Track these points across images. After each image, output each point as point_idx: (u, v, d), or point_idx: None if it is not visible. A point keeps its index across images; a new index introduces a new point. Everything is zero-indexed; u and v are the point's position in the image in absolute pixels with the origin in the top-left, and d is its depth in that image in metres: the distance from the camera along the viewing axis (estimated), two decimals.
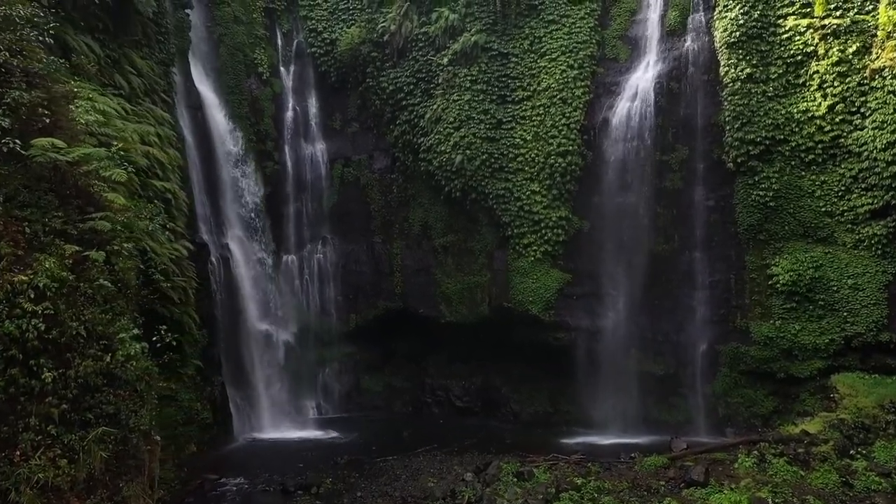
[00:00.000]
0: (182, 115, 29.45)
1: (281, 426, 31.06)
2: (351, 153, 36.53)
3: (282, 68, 36.42)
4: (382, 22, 34.91)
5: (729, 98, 29.06)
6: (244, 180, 32.78)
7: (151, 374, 13.21)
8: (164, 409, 23.49)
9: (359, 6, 35.91)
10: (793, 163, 28.25)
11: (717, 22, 29.64)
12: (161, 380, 22.73)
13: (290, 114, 36.24)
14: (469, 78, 32.92)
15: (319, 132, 36.71)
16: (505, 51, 32.92)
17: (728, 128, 29.08)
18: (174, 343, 25.01)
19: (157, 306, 22.65)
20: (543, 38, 32.62)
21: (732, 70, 29.03)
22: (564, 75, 31.85)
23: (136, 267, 18.10)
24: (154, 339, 15.33)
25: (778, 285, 28.07)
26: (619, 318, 30.91)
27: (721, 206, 29.75)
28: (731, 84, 29.02)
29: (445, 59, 33.42)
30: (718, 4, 29.81)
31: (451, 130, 32.77)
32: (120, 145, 14.74)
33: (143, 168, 22.36)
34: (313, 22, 36.25)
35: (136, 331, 12.89)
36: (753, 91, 28.66)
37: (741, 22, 28.85)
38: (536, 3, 32.93)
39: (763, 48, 28.74)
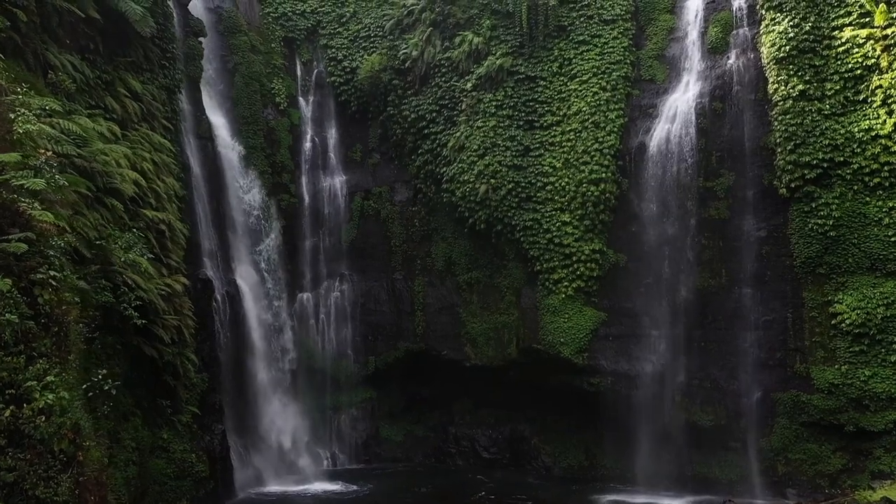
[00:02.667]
0: (189, 144, 27.97)
1: (290, 479, 28.67)
2: (371, 185, 34.71)
3: (301, 98, 35.01)
4: (404, 48, 33.36)
5: (780, 118, 26.45)
6: (256, 213, 31.05)
7: (79, 430, 10.88)
8: (153, 462, 21.38)
9: (380, 33, 34.51)
10: (855, 187, 25.29)
11: (764, 36, 27.20)
12: (139, 430, 20.87)
13: (308, 145, 34.67)
14: (494, 103, 30.97)
15: (339, 163, 35.02)
16: (532, 74, 30.96)
17: (780, 150, 26.41)
18: (170, 386, 23.39)
19: (145, 347, 20.77)
20: (573, 60, 30.61)
21: (783, 87, 26.46)
22: (596, 98, 29.66)
23: (97, 302, 16.17)
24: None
25: (843, 325, 24.89)
26: (662, 362, 28.18)
27: (774, 236, 26.94)
28: (781, 102, 26.46)
29: (469, 84, 31.59)
30: (765, 18, 27.41)
31: (475, 158, 30.70)
32: (46, 154, 12.53)
33: (133, 196, 20.67)
34: (333, 50, 34.90)
35: (51, 378, 10.48)
36: (808, 109, 26.00)
37: (791, 35, 26.37)
38: (566, 23, 31.03)
39: (817, 63, 26.13)
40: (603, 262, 29.07)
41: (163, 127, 24.61)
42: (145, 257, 18.25)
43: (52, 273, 11.20)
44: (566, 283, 29.13)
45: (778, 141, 26.51)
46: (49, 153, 12.54)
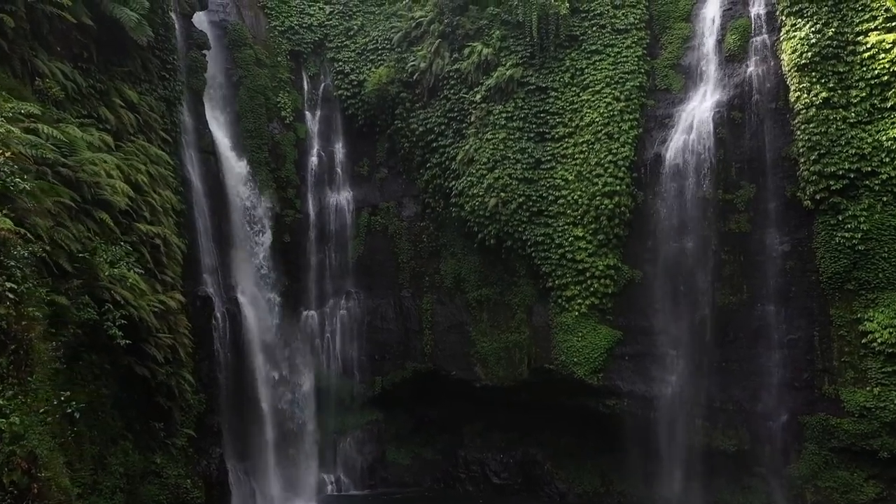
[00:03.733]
0: (190, 158, 27.25)
1: None
2: (378, 200, 33.84)
3: (307, 112, 34.32)
4: (412, 61, 32.67)
5: (802, 127, 25.31)
6: (259, 229, 30.20)
7: (35, 459, 9.82)
8: (144, 488, 20.34)
9: (388, 46, 33.88)
10: (884, 198, 24.05)
11: (784, 43, 26.17)
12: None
13: (314, 159, 33.91)
14: (504, 115, 30.10)
15: (346, 178, 34.21)
16: (543, 85, 30.10)
17: (803, 160, 25.25)
18: (164, 408, 22.40)
19: (136, 366, 19.83)
20: (586, 70, 29.75)
21: (805, 95, 25.34)
22: (610, 108, 28.72)
23: (80, 319, 15.26)
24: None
25: (874, 344, 23.54)
26: (681, 383, 26.98)
27: (798, 250, 25.68)
28: (804, 111, 25.34)
29: (479, 96, 30.77)
30: (785, 24, 26.37)
31: (485, 172, 29.76)
32: (4, 155, 11.63)
33: (126, 209, 19.85)
34: (340, 64, 34.25)
35: (2, 401, 9.42)
36: (832, 118, 24.85)
37: (813, 41, 25.30)
38: (577, 33, 30.25)
39: (841, 69, 25.01)
40: (618, 278, 28.00)
41: (161, 139, 23.91)
42: (133, 271, 17.27)
43: (9, 285, 10.28)
44: (580, 301, 28.02)
45: (801, 151, 25.35)
46: (8, 154, 11.66)
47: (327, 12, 34.68)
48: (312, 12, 34.62)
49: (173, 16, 27.23)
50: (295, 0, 34.56)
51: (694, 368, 26.74)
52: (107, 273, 16.67)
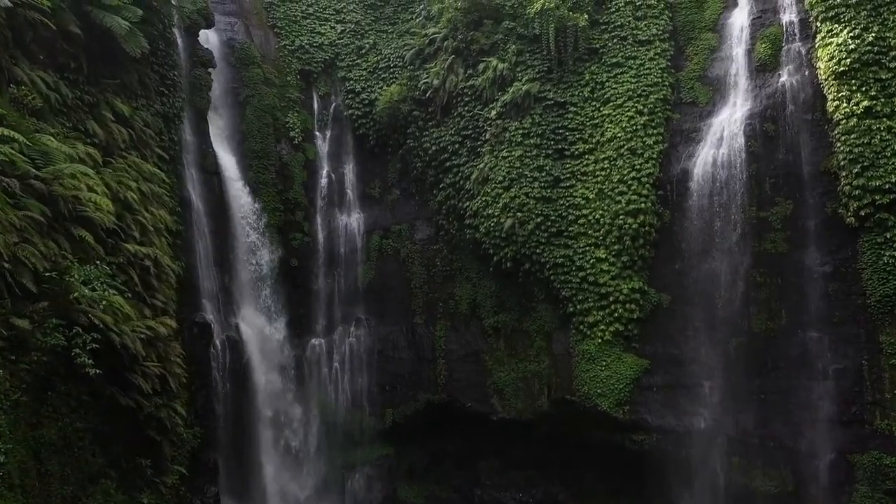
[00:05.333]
0: (192, 177, 26.12)
1: None
2: (390, 223, 32.39)
3: (317, 133, 33.15)
4: (425, 78, 31.46)
5: (843, 138, 23.57)
6: (264, 253, 28.85)
7: None
8: None
9: (400, 64, 32.76)
10: None
11: (820, 50, 24.57)
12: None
13: (323, 181, 32.63)
14: (521, 131, 28.67)
15: (356, 200, 32.85)
16: (562, 100, 28.71)
17: (844, 174, 23.44)
18: (154, 442, 20.83)
19: (120, 397, 18.33)
20: (606, 84, 28.34)
21: (845, 104, 23.64)
22: (633, 122, 27.18)
23: (46, 345, 13.82)
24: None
25: None
26: (715, 417, 25.08)
27: (842, 272, 23.77)
28: (844, 121, 23.61)
29: (494, 113, 29.39)
30: (820, 31, 24.76)
31: (501, 191, 28.23)
32: None
33: (114, 228, 18.57)
34: (351, 83, 33.14)
35: None
36: (875, 128, 23.11)
37: (852, 47, 23.67)
38: (597, 46, 28.91)
39: (883, 76, 23.40)
40: (644, 303, 26.21)
41: (157, 156, 22.77)
42: (110, 293, 15.79)
43: None
44: (603, 327, 26.23)
45: (842, 164, 23.52)
46: None
47: (338, 31, 33.73)
48: (323, 31, 33.69)
49: (176, 32, 26.44)
50: (305, 19, 33.67)
51: (729, 401, 24.80)
52: (83, 295, 15.26)
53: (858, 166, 23.08)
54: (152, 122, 22.78)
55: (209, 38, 29.96)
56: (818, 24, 24.82)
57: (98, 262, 16.01)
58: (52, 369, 15.31)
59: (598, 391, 26.04)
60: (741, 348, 24.75)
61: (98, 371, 14.84)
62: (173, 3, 25.99)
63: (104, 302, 15.22)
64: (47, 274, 14.09)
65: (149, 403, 19.12)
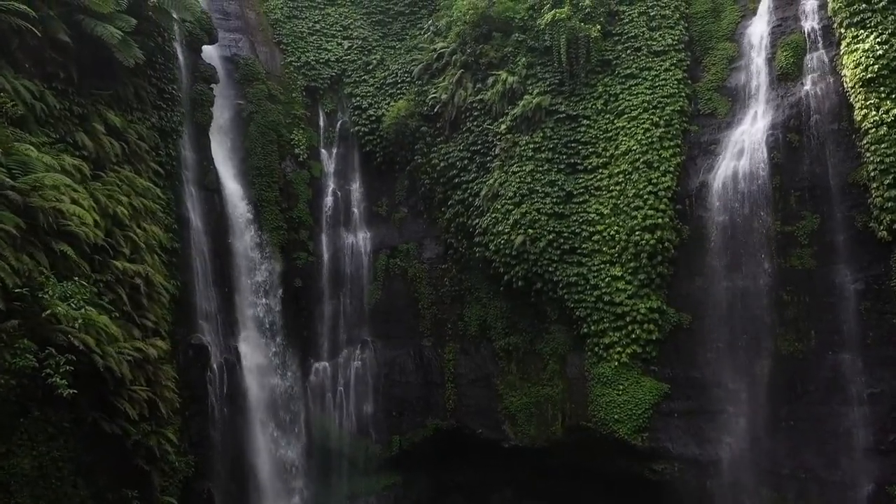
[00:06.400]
0: (191, 194, 25.27)
1: None
2: (397, 241, 31.37)
3: (323, 150, 32.32)
4: (433, 93, 30.68)
5: (872, 148, 22.40)
6: (266, 273, 27.86)
7: None
8: None
9: (408, 79, 31.98)
10: None
11: (846, 57, 23.48)
12: None
13: (329, 199, 31.72)
14: (532, 146, 27.71)
15: (363, 219, 31.88)
16: (574, 113, 27.80)
17: (875, 186, 22.26)
18: (142, 471, 19.69)
19: (104, 423, 17.24)
20: (620, 96, 27.40)
21: (874, 113, 22.49)
22: (648, 135, 26.17)
23: (15, 367, 12.78)
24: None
25: None
26: (741, 446, 23.68)
27: (874, 289, 22.45)
28: (873, 130, 22.45)
29: (504, 127, 28.49)
30: (844, 37, 23.68)
31: (511, 207, 27.18)
32: None
33: (102, 244, 17.65)
34: (358, 99, 32.36)
35: None
36: None
37: (880, 53, 22.62)
38: (610, 57, 28.06)
39: None
40: (663, 323, 25.00)
41: (153, 171, 21.96)
42: (87, 310, 14.78)
43: None
44: (619, 349, 25.01)
45: (872, 175, 22.27)
46: None
47: (345, 47, 33.07)
48: (330, 48, 33.04)
49: (176, 46, 25.82)
50: (312, 36, 33.07)
51: (757, 428, 23.41)
52: (61, 313, 14.25)
53: (890, 177, 21.79)
54: (148, 136, 21.99)
55: (212, 54, 29.36)
56: (842, 30, 23.75)
57: (78, 278, 14.96)
58: (26, 393, 14.30)
59: (615, 417, 24.69)
60: (767, 372, 23.45)
61: (74, 393, 13.76)
62: (174, 17, 25.38)
63: (79, 321, 14.16)
64: (17, 290, 13.11)
65: (136, 430, 18.04)
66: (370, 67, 32.86)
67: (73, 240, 16.32)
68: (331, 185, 32.10)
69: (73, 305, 14.09)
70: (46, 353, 13.48)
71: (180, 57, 25.94)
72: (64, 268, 15.91)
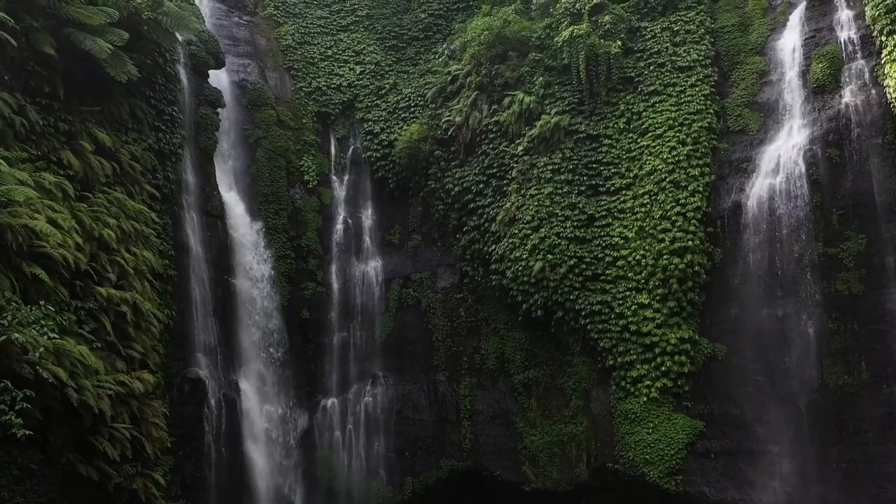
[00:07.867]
0: (191, 220, 24.14)
1: None
2: (411, 271, 29.86)
3: (333, 176, 31.16)
4: (447, 116, 29.50)
5: None
6: (270, 304, 26.47)
7: None
8: None
9: (421, 103, 30.89)
10: None
11: (888, 67, 22.01)
12: None
13: (339, 227, 30.41)
14: (550, 167, 26.30)
15: (374, 247, 30.47)
16: (594, 132, 26.42)
17: None
18: None
19: (80, 465, 15.73)
20: (644, 114, 26.05)
21: None
22: (675, 153, 24.68)
23: None
24: None
25: None
26: (788, 490, 21.53)
27: None
28: None
29: (520, 148, 27.16)
30: (886, 45, 22.21)
31: (529, 231, 25.61)
32: None
33: (85, 269, 16.40)
34: (370, 124, 31.27)
35: None
36: None
37: None
38: (632, 74, 26.86)
39: None
40: (695, 355, 23.13)
41: (148, 194, 20.84)
42: (50, 338, 13.36)
43: None
44: (648, 382, 23.13)
45: None
46: None
47: (357, 72, 32.12)
48: (342, 73, 32.12)
49: (180, 68, 25.03)
50: (324, 61, 32.22)
51: (804, 470, 21.25)
52: (23, 342, 12.87)
53: None
54: (143, 157, 20.93)
55: (221, 79, 28.62)
56: (883, 38, 22.22)
57: (44, 303, 13.59)
58: None
59: (646, 458, 22.64)
60: (814, 407, 21.38)
61: (29, 434, 12.23)
62: (178, 38, 24.64)
63: (42, 349, 12.73)
64: None
65: (118, 473, 16.50)
66: (383, 92, 31.84)
67: (49, 262, 15.07)
68: (341, 213, 30.82)
69: (38, 331, 12.68)
70: (1, 386, 12.04)
71: (183, 79, 25.11)
72: (37, 293, 14.62)
